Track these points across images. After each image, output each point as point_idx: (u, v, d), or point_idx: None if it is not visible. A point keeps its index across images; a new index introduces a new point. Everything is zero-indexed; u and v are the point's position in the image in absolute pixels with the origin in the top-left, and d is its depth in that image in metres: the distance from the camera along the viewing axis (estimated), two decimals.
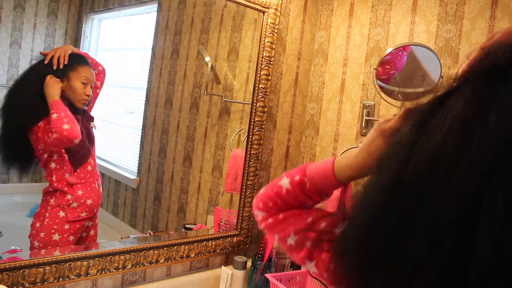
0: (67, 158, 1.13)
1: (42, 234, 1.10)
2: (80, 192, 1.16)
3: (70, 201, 1.14)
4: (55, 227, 1.11)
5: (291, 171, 0.75)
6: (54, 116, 1.06)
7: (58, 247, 1.12)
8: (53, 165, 1.12)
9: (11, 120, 1.08)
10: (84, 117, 1.21)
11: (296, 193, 0.71)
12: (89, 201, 1.18)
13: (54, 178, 1.12)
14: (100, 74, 1.24)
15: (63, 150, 1.12)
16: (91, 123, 1.23)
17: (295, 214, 0.72)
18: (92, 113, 1.23)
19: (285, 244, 0.70)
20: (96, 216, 1.25)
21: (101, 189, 1.24)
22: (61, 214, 1.12)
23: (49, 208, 1.12)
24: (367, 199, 0.50)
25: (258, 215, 0.77)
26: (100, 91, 1.25)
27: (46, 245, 1.10)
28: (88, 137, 1.21)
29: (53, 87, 1.10)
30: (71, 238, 1.15)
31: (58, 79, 1.11)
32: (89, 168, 1.20)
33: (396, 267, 0.42)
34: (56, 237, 1.11)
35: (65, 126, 1.06)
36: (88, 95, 1.17)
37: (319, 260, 0.64)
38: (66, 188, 1.13)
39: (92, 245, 1.22)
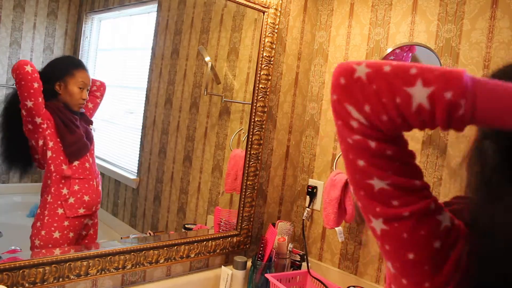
0: (62, 148, 1.13)
1: (43, 232, 1.11)
2: (76, 187, 1.16)
3: (67, 196, 1.14)
4: (55, 224, 1.12)
5: (427, 70, 0.48)
6: None
7: (58, 244, 1.12)
8: (49, 153, 1.11)
9: (11, 120, 1.09)
10: (82, 119, 1.22)
11: (434, 116, 0.47)
12: (86, 197, 1.18)
13: (52, 167, 1.12)
14: (100, 87, 1.26)
15: (58, 139, 1.12)
16: (90, 126, 1.24)
17: (405, 162, 0.53)
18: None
19: (363, 177, 0.52)
20: (96, 215, 1.25)
21: (100, 188, 1.24)
22: (60, 211, 1.13)
23: (47, 206, 1.12)
24: None
25: (354, 115, 0.51)
26: (100, 100, 1.26)
27: (47, 244, 1.11)
28: (87, 135, 1.22)
29: None
30: (71, 235, 1.15)
31: None
32: (87, 165, 1.20)
33: None
34: (56, 234, 1.12)
35: (18, 61, 1.06)
36: (84, 99, 1.18)
37: (412, 235, 0.51)
38: (63, 181, 1.13)
39: (92, 245, 1.22)
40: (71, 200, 1.15)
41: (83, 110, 1.22)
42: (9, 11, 1.08)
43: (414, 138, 1.40)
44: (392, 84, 0.49)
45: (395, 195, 0.51)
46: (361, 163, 0.52)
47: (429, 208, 0.52)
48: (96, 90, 1.26)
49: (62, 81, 1.14)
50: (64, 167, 1.14)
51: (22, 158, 1.14)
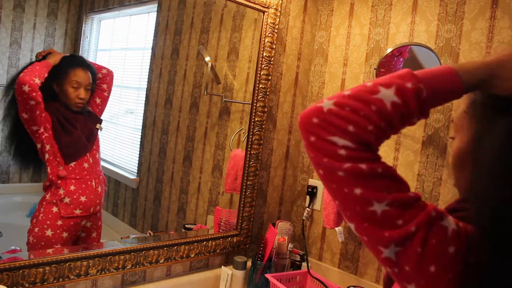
0: (58, 149, 1.13)
1: (36, 229, 1.10)
2: (72, 188, 1.15)
3: (62, 196, 1.13)
4: (48, 222, 1.11)
5: (380, 80, 0.56)
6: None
7: (50, 243, 1.11)
8: (46, 156, 1.12)
9: (14, 119, 1.09)
10: (89, 118, 1.21)
11: (408, 106, 0.54)
12: (82, 198, 1.17)
13: (49, 169, 1.12)
14: (105, 77, 1.24)
15: (54, 142, 1.11)
16: (98, 124, 1.23)
17: (394, 177, 0.54)
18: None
19: (364, 206, 0.52)
20: (98, 217, 1.24)
21: (99, 189, 1.23)
22: (54, 209, 1.12)
23: (44, 203, 1.12)
24: None
25: (339, 143, 0.53)
26: (108, 93, 1.25)
27: (40, 241, 1.10)
28: (87, 135, 1.21)
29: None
30: (65, 235, 1.14)
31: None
32: (86, 165, 1.19)
33: None
34: (49, 232, 1.11)
35: (21, 75, 1.04)
36: (82, 98, 1.16)
37: (425, 247, 0.50)
38: (59, 182, 1.13)
39: (92, 245, 1.22)
40: (67, 200, 1.14)
41: (89, 109, 1.21)
42: (9, 11, 1.08)
43: (415, 138, 1.40)
44: (362, 99, 0.54)
45: (397, 214, 0.52)
46: (357, 191, 0.53)
47: (431, 216, 0.52)
48: (102, 82, 1.23)
49: (58, 81, 1.13)
50: (60, 168, 1.13)
51: (33, 156, 1.14)
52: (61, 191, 1.13)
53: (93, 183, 1.20)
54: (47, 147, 1.11)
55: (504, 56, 0.57)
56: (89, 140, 1.22)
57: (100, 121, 1.24)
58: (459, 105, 0.69)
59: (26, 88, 1.03)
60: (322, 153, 0.55)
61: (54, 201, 1.13)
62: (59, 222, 1.13)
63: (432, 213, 0.52)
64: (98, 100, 1.24)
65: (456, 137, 0.68)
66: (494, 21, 1.23)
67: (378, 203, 0.52)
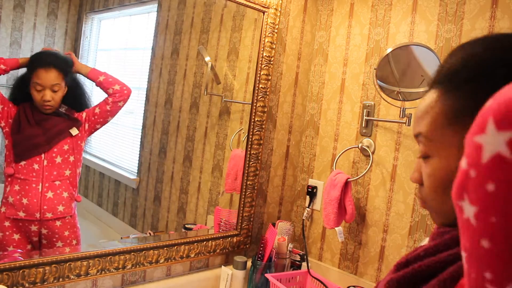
0: (11, 146, 1.09)
1: None
2: (16, 187, 1.09)
3: (7, 195, 1.09)
4: None
5: None
6: None
7: (3, 245, 1.07)
8: (5, 151, 1.09)
9: None
10: (65, 120, 1.16)
11: None
12: (24, 200, 1.09)
13: (4, 165, 1.09)
14: (115, 93, 1.20)
15: (11, 137, 1.08)
16: (73, 128, 1.17)
17: None
18: None
19: None
20: (51, 226, 1.14)
21: (49, 195, 1.13)
22: (3, 209, 1.08)
23: None
24: None
25: None
26: (111, 108, 1.21)
27: None
28: (51, 136, 1.15)
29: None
30: (16, 237, 1.09)
31: None
32: (36, 166, 1.11)
33: None
34: None
35: None
36: (47, 101, 1.09)
37: None
38: (9, 179, 1.09)
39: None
40: (10, 200, 1.09)
41: (65, 111, 1.16)
42: (9, 11, 1.08)
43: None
44: None
45: None
46: None
47: None
48: (111, 96, 1.20)
49: (28, 82, 1.09)
50: (13, 165, 1.09)
51: None
52: (7, 190, 1.09)
53: (39, 187, 1.11)
54: (6, 142, 1.08)
55: None
56: (50, 142, 1.14)
57: (76, 125, 1.17)
58: (423, 116, 0.58)
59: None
60: None
61: (3, 200, 1.09)
62: (7, 224, 1.08)
63: None
64: (97, 110, 1.20)
65: (434, 156, 0.56)
66: (494, 21, 1.23)
67: None
